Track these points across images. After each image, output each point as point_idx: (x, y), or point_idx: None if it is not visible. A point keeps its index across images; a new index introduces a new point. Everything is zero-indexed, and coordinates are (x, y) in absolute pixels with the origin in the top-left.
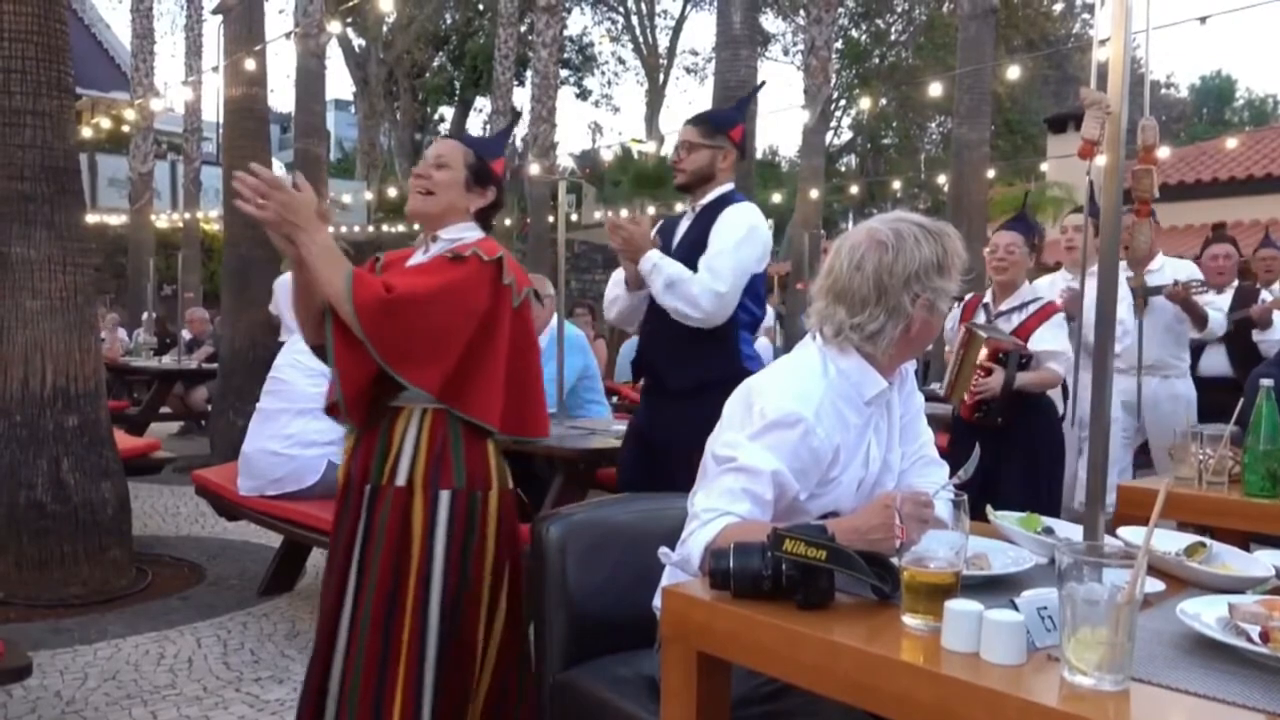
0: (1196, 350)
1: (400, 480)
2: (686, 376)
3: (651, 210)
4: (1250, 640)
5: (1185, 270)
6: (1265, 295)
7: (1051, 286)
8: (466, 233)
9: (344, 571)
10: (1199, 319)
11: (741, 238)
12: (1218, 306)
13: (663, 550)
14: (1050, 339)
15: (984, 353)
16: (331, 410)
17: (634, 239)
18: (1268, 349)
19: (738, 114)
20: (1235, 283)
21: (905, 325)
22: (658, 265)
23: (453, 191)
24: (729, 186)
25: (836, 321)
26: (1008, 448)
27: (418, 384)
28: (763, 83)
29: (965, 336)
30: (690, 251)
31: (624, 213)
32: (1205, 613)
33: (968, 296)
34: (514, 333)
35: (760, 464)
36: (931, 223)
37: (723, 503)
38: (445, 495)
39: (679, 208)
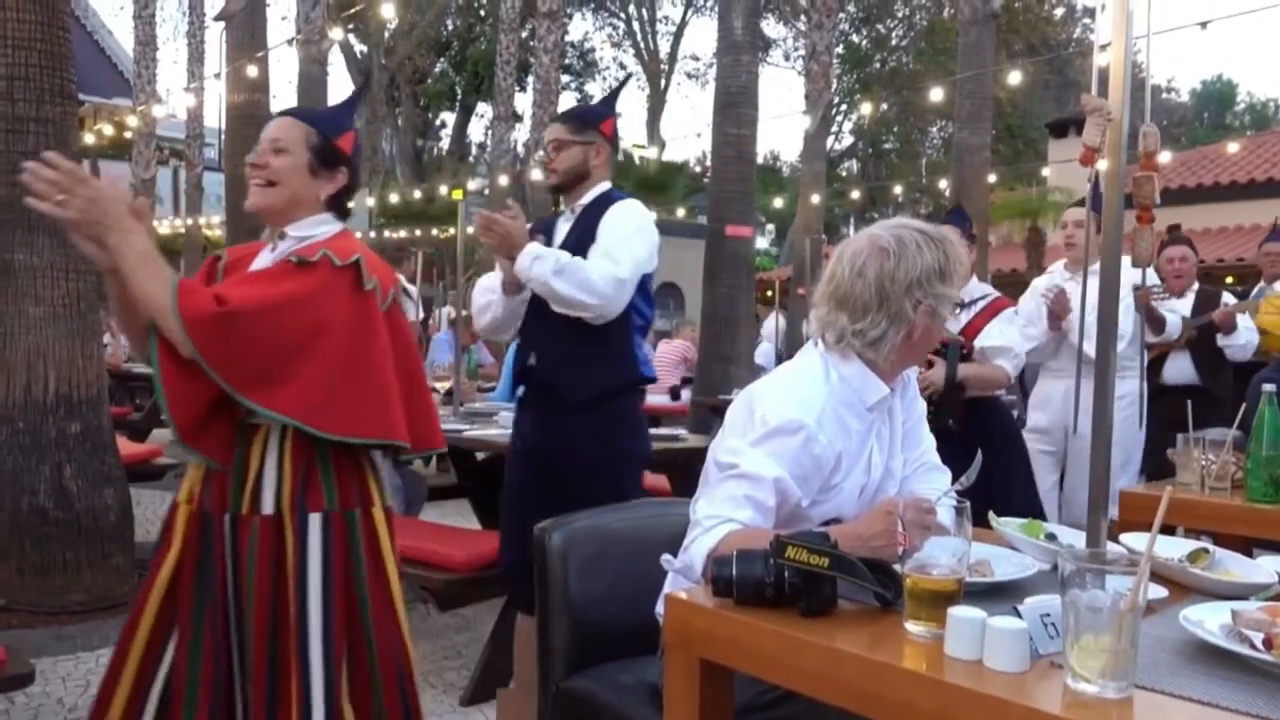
0: (1160, 357)
1: (266, 508)
2: (590, 386)
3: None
4: (1254, 647)
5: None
6: (1227, 298)
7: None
8: (318, 228)
9: (224, 610)
10: (1157, 323)
11: (636, 228)
12: (1169, 308)
13: (665, 557)
14: (997, 334)
15: None
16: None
17: (511, 234)
18: (1233, 354)
19: (607, 107)
20: (1195, 286)
21: (907, 331)
22: (541, 255)
23: (296, 180)
24: (606, 185)
25: (839, 328)
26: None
27: (273, 409)
28: (629, 75)
29: None
30: (576, 250)
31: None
32: (1208, 619)
33: None
34: (392, 339)
35: (763, 471)
36: (933, 229)
37: (725, 509)
38: (316, 519)
39: (679, 214)
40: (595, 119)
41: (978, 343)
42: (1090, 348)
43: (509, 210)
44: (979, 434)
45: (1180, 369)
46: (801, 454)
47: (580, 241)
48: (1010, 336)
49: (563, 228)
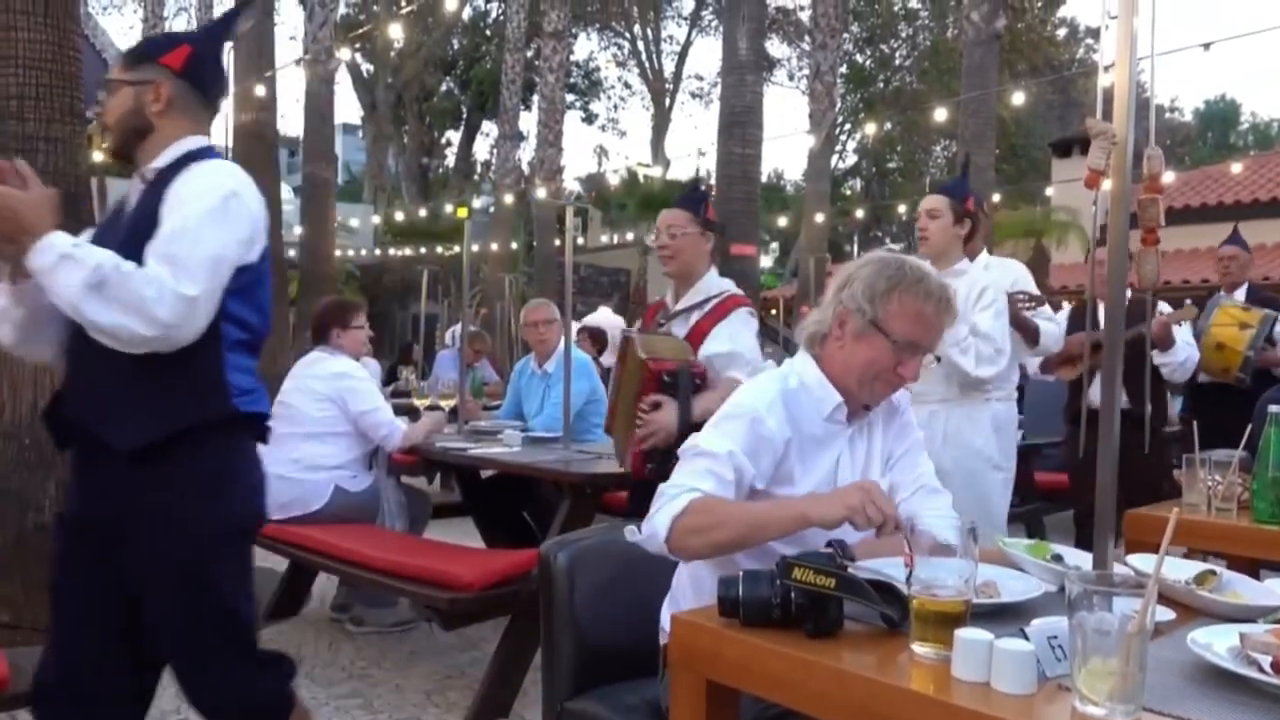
0: (1080, 378)
1: None
2: (141, 429)
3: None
4: (1262, 670)
5: (1012, 275)
6: (1163, 307)
7: (987, 272)
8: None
9: None
10: (1029, 333)
11: (211, 209)
12: (1047, 316)
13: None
14: (726, 338)
15: (648, 374)
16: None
17: (18, 211)
18: (1171, 374)
19: (179, 37)
20: (1128, 292)
21: (825, 333)
22: (69, 254)
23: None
24: (192, 141)
25: (804, 324)
26: None
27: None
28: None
29: (622, 347)
30: (133, 237)
31: None
32: (1216, 642)
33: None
34: None
35: (716, 447)
36: (920, 271)
37: (688, 481)
38: None
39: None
40: (157, 51)
41: (702, 351)
42: (969, 363)
43: (17, 170)
44: None
45: None
46: (749, 434)
47: (137, 228)
48: (742, 340)
49: (132, 201)
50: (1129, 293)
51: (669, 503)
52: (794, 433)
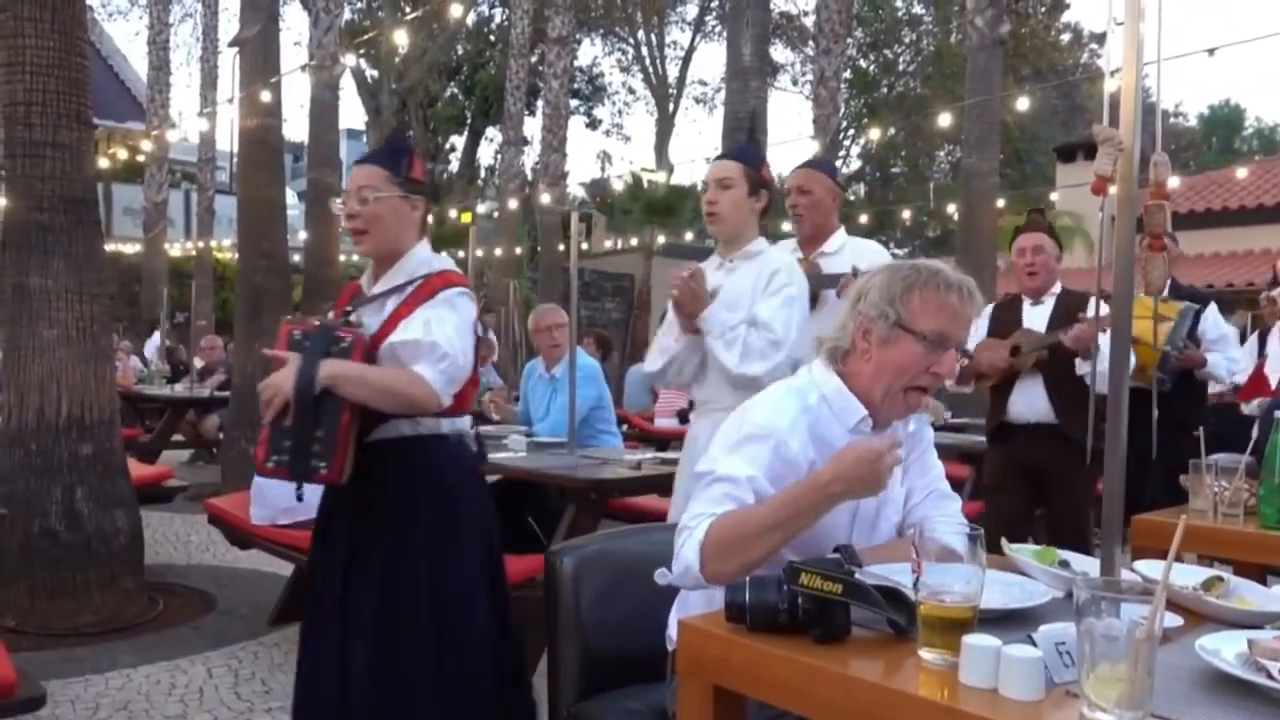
0: (1005, 387)
1: None
2: None
3: (661, 239)
4: (1270, 676)
5: (871, 255)
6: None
7: (781, 253)
8: None
9: None
10: None
11: None
12: None
13: (660, 571)
14: (420, 325)
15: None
16: None
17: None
18: (1098, 383)
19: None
20: (1057, 289)
21: (848, 348)
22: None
23: None
24: None
25: (824, 339)
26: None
27: None
28: None
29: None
30: None
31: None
32: (1224, 648)
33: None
34: None
35: (737, 472)
36: (935, 268)
37: (707, 508)
38: None
39: (688, 237)
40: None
41: (388, 339)
42: (731, 358)
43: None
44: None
45: (1030, 403)
46: (773, 459)
47: None
48: (443, 330)
49: None
50: (1058, 288)
51: (691, 535)
52: (818, 453)
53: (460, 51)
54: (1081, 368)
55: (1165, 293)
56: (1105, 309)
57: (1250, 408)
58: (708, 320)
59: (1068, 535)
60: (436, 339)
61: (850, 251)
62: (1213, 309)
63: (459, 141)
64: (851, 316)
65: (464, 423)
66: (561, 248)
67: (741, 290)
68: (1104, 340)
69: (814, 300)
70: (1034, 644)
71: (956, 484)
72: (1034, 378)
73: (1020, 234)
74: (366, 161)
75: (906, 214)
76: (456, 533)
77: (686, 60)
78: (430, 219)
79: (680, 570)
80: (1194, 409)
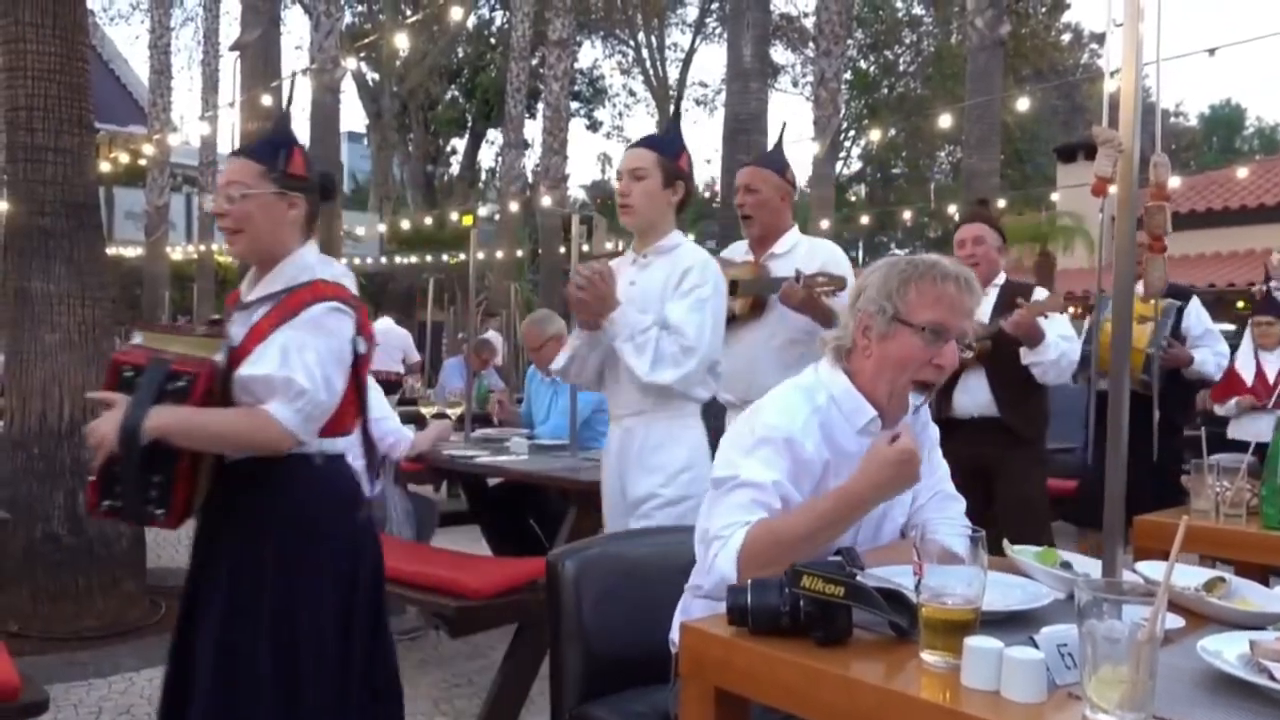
0: (946, 383)
1: None
2: None
3: None
4: (1272, 678)
5: (822, 256)
6: (1039, 294)
7: (695, 250)
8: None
9: None
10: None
11: None
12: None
13: (693, 585)
14: (275, 354)
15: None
16: None
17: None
18: (1044, 375)
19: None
20: (1000, 280)
21: (850, 345)
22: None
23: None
24: None
25: (827, 337)
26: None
27: None
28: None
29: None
30: None
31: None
32: (1226, 650)
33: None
34: None
35: (761, 477)
36: (932, 261)
37: (739, 516)
38: None
39: (690, 238)
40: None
41: (238, 372)
42: (642, 364)
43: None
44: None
45: (973, 397)
46: (789, 459)
47: None
48: (300, 362)
49: None
50: (1002, 279)
51: (725, 545)
52: (831, 453)
53: (461, 54)
54: (1026, 358)
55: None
56: (1044, 293)
57: (1225, 408)
58: (617, 322)
59: (1027, 540)
60: (292, 374)
61: (803, 252)
62: (1195, 304)
63: (460, 144)
64: (851, 314)
65: (341, 443)
66: (562, 250)
67: (653, 288)
68: (1051, 331)
69: (761, 306)
70: (1036, 646)
71: None
72: (977, 371)
73: (960, 225)
74: (239, 154)
75: (907, 215)
76: (310, 573)
77: (687, 62)
78: (429, 221)
79: (716, 581)
80: (1184, 410)
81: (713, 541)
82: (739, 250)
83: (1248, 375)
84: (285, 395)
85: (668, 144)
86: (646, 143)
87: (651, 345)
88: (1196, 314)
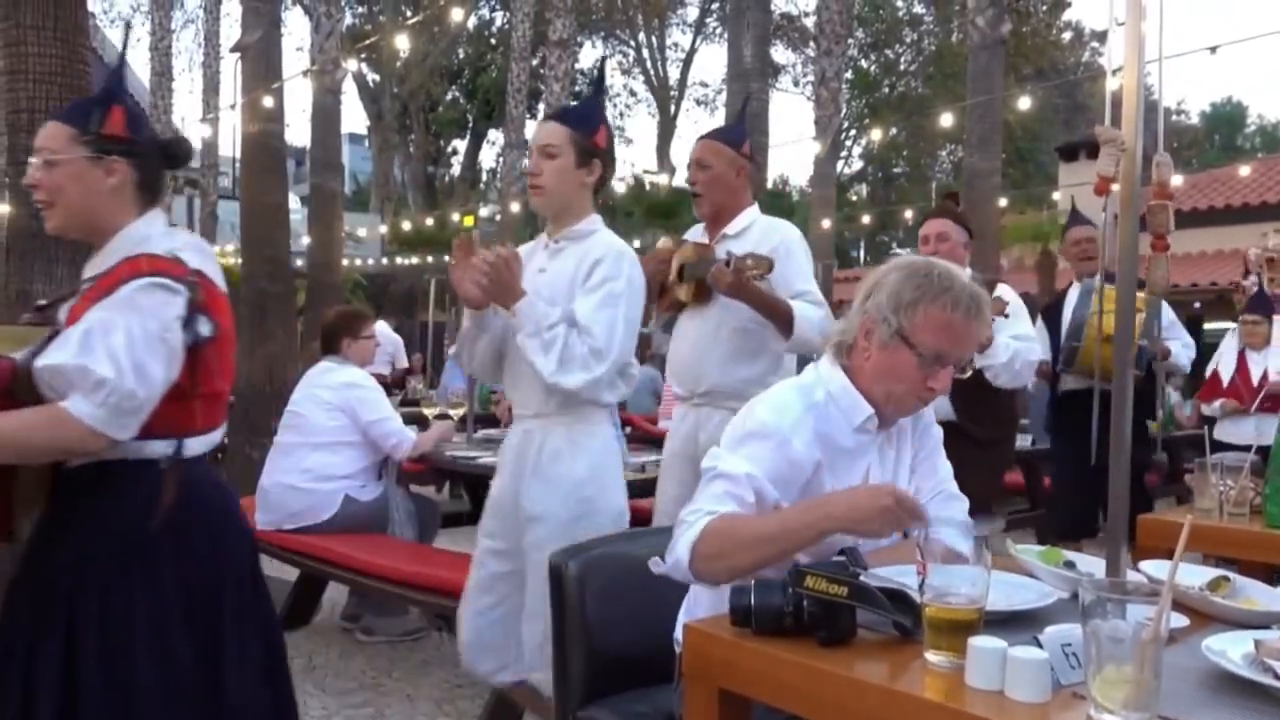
0: None
1: None
2: None
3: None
4: (1277, 677)
5: (777, 237)
6: (1001, 291)
7: (611, 238)
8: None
9: None
10: (781, 319)
11: None
12: (816, 299)
13: (653, 560)
14: (77, 340)
15: None
16: None
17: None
18: (996, 377)
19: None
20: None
21: (851, 343)
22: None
23: None
24: None
25: (833, 332)
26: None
27: None
28: None
29: None
30: None
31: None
32: (1231, 649)
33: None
34: None
35: (736, 469)
36: (949, 280)
37: (707, 505)
38: None
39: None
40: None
41: (36, 363)
42: (548, 364)
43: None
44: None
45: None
46: (776, 457)
47: None
48: (105, 348)
49: None
50: (967, 274)
51: (688, 530)
52: (823, 451)
53: (461, 55)
54: (977, 361)
55: (1100, 280)
56: (1006, 291)
57: (1212, 409)
58: (521, 313)
59: None
60: (89, 361)
61: (758, 233)
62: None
63: (461, 145)
64: (859, 312)
65: (197, 443)
66: None
67: (563, 277)
68: (1004, 332)
69: (708, 292)
70: (1040, 646)
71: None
72: None
73: (925, 220)
74: (53, 118)
75: (909, 214)
76: (145, 597)
77: (687, 62)
78: (430, 222)
79: (672, 562)
80: (1153, 408)
81: (680, 524)
82: (697, 233)
83: (1226, 375)
84: (84, 387)
85: (583, 118)
86: (559, 116)
87: (559, 344)
88: (1164, 306)
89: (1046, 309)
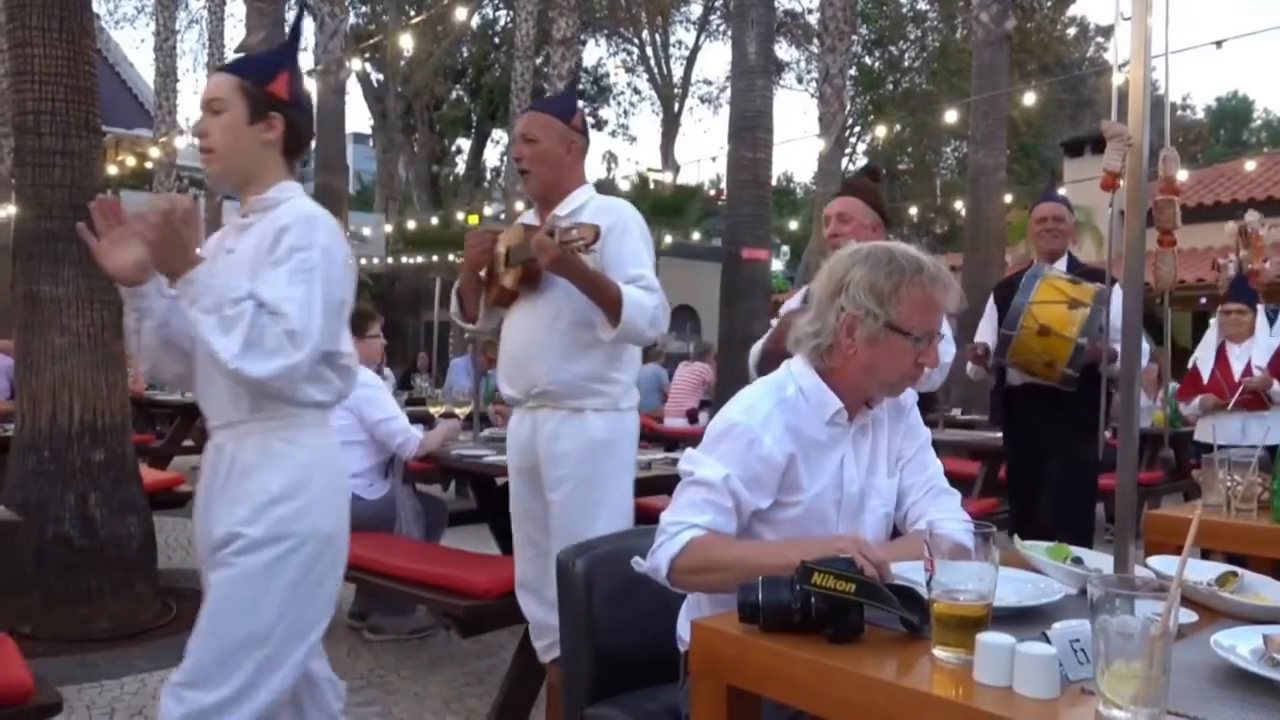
0: None
1: None
2: None
3: (668, 239)
4: None
5: (613, 216)
6: None
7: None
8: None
9: None
10: (608, 303)
11: None
12: (650, 285)
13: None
14: None
15: None
16: None
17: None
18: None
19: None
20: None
21: (831, 343)
22: None
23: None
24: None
25: (799, 330)
26: None
27: None
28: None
29: None
30: None
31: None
32: (1240, 645)
33: None
34: None
35: (712, 474)
36: (915, 259)
37: (687, 515)
38: None
39: (695, 237)
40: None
41: None
42: (229, 346)
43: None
44: None
45: None
46: (748, 455)
47: None
48: None
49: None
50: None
51: (669, 541)
52: (796, 445)
53: (465, 54)
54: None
55: (1063, 266)
56: None
57: (1190, 408)
58: (196, 283)
59: None
60: None
61: (592, 213)
62: (1117, 291)
63: (465, 144)
64: (831, 311)
65: None
66: None
67: (246, 255)
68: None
69: (535, 278)
70: (1049, 641)
71: (967, 481)
72: None
73: (837, 198)
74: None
75: (914, 210)
76: None
77: (691, 60)
78: (435, 221)
79: (651, 567)
80: (1098, 409)
81: (661, 533)
82: (529, 216)
83: (1205, 370)
84: None
85: (254, 66)
86: (230, 67)
87: (244, 322)
88: (1116, 304)
89: (999, 287)
